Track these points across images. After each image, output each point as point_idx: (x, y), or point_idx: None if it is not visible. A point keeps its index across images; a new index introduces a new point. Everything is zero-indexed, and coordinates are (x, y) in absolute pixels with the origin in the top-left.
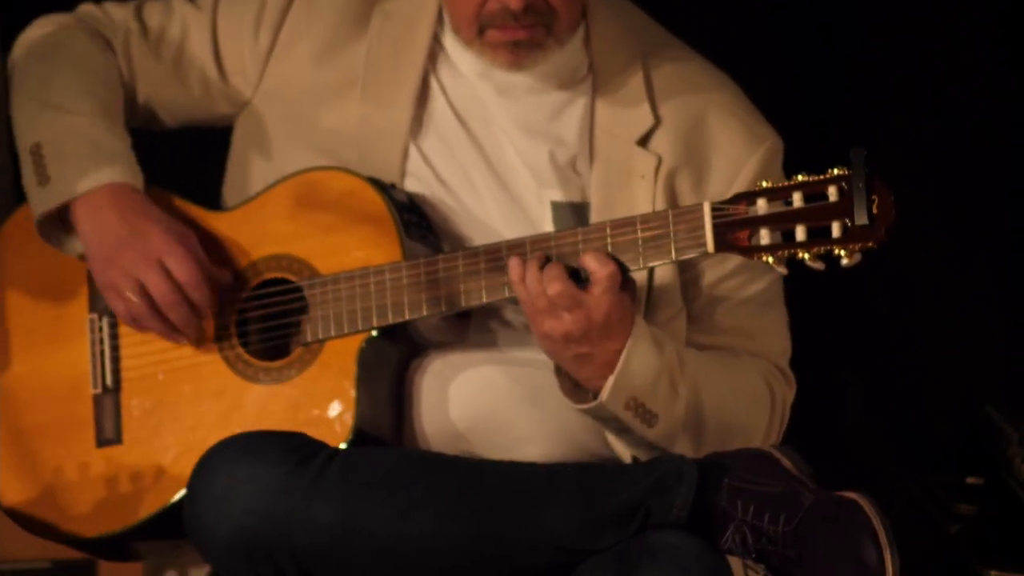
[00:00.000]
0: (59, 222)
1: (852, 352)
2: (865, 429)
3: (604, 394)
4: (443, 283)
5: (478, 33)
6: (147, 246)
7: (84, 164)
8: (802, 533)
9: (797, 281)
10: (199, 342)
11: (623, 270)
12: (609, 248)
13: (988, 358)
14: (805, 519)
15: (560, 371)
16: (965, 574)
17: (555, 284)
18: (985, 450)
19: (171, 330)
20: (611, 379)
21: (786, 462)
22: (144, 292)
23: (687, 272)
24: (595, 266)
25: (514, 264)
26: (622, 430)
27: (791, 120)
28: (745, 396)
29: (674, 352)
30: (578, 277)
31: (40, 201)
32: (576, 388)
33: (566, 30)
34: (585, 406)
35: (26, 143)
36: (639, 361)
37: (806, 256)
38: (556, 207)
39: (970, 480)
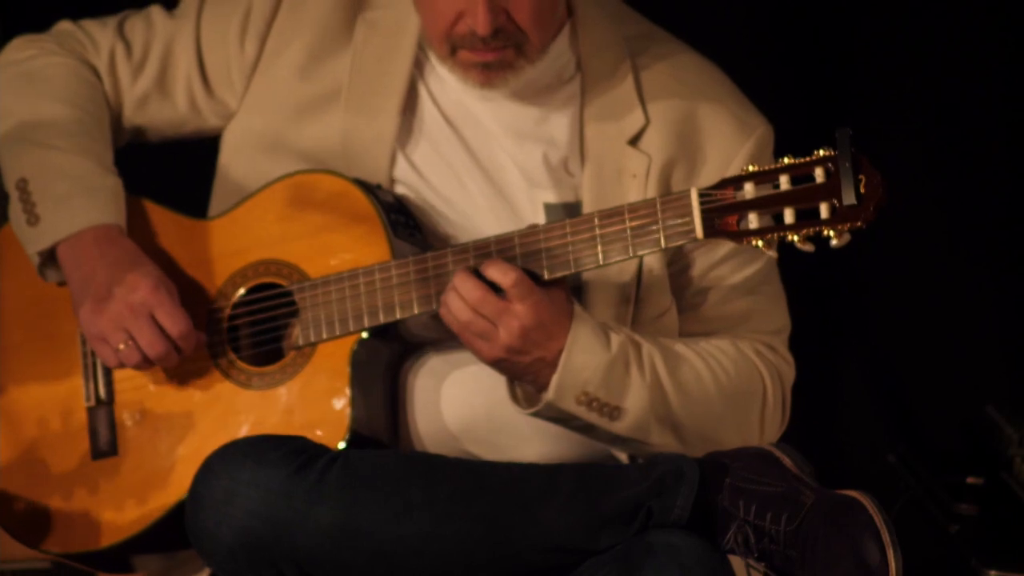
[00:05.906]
0: (47, 256)
1: (852, 352)
2: (866, 429)
3: (549, 393)
4: (433, 280)
5: (450, 52)
6: (136, 298)
7: (70, 204)
8: (804, 532)
9: (797, 280)
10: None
11: (531, 275)
12: (598, 238)
13: (988, 358)
14: (807, 518)
15: (512, 383)
16: (965, 574)
17: (474, 292)
18: (985, 450)
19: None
20: (554, 378)
21: (787, 461)
22: (133, 343)
23: (676, 263)
24: (498, 277)
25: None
26: (586, 428)
27: (787, 113)
28: (725, 377)
29: (626, 341)
30: (497, 287)
31: (32, 241)
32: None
33: (537, 50)
34: (533, 409)
35: (12, 177)
36: (583, 354)
37: (795, 238)
38: (549, 208)
39: (970, 480)
